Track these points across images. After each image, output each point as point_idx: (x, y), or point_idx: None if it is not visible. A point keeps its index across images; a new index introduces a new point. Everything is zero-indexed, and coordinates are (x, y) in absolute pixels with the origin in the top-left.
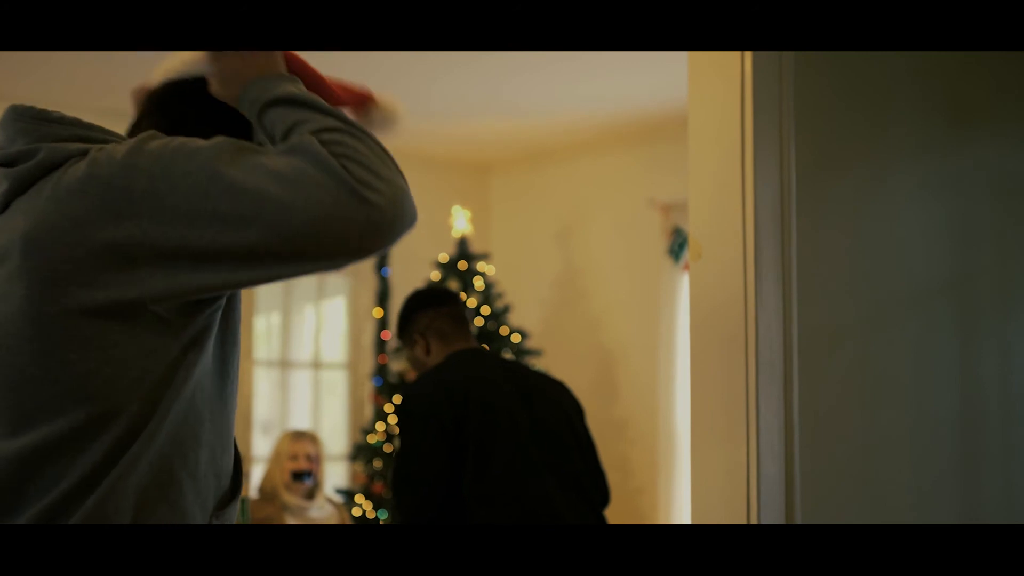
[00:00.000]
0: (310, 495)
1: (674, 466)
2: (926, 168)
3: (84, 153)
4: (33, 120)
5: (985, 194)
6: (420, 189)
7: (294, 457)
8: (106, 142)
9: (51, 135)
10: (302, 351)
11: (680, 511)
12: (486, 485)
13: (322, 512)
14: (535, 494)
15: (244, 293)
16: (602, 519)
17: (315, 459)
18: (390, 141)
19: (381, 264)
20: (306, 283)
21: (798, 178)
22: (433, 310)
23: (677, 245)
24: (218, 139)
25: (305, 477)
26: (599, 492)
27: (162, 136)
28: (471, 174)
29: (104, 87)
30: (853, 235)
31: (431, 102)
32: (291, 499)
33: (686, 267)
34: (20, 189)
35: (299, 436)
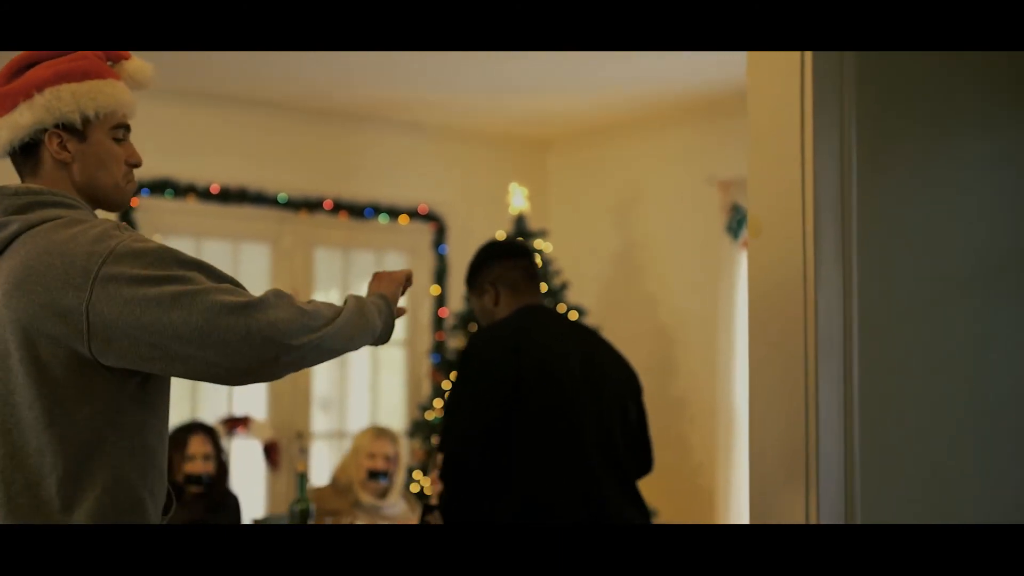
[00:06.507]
0: (384, 494)
1: (733, 444)
2: (990, 144)
3: (53, 219)
4: None
5: None
6: (478, 166)
7: (372, 456)
8: (55, 204)
9: (13, 206)
10: None
11: (739, 489)
12: (532, 444)
13: (395, 510)
14: (575, 460)
15: (302, 269)
16: (632, 488)
17: (393, 459)
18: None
19: (439, 242)
20: (364, 260)
21: (859, 154)
22: (508, 260)
23: (736, 222)
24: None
25: (381, 477)
26: (641, 463)
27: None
28: (529, 151)
29: None
30: (915, 212)
31: (489, 79)
32: (365, 497)
33: (745, 244)
34: None
35: (380, 434)
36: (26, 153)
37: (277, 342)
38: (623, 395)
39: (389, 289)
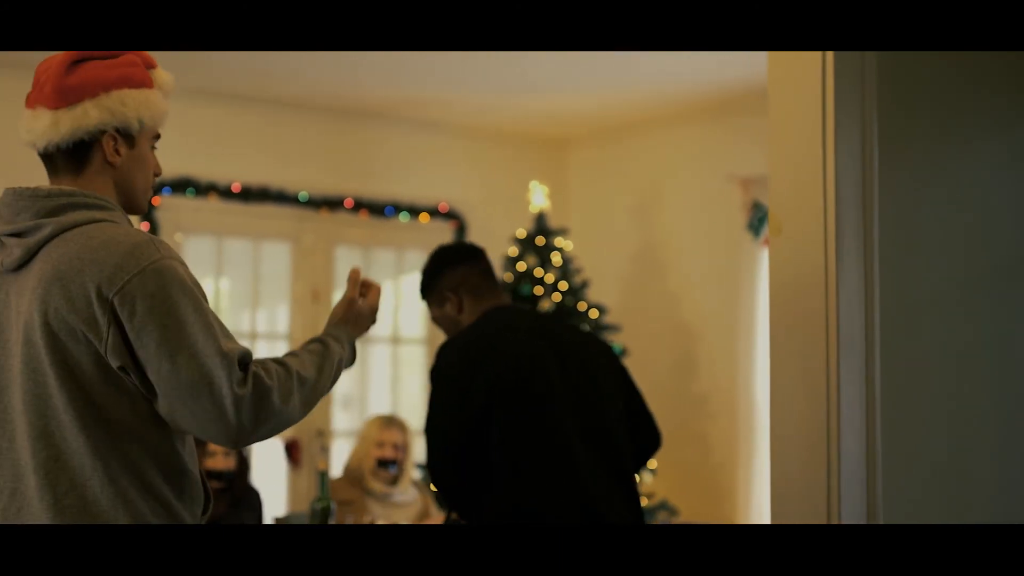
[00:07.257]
0: (394, 482)
1: (754, 442)
2: (1009, 142)
3: (87, 221)
4: (31, 198)
5: None
6: (498, 164)
7: (381, 444)
8: (88, 206)
9: (46, 209)
10: (381, 327)
11: (760, 487)
12: (513, 451)
13: (406, 496)
14: (559, 463)
15: (323, 267)
16: (627, 479)
17: (401, 447)
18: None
19: (459, 240)
20: (384, 259)
21: (880, 152)
22: (465, 265)
23: (757, 220)
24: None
25: (390, 466)
26: (647, 442)
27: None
28: (549, 149)
29: None
30: (935, 209)
31: (509, 78)
32: (376, 485)
33: (766, 242)
34: (31, 255)
35: (388, 423)
36: (75, 151)
37: (239, 434)
38: (610, 381)
39: (356, 328)
